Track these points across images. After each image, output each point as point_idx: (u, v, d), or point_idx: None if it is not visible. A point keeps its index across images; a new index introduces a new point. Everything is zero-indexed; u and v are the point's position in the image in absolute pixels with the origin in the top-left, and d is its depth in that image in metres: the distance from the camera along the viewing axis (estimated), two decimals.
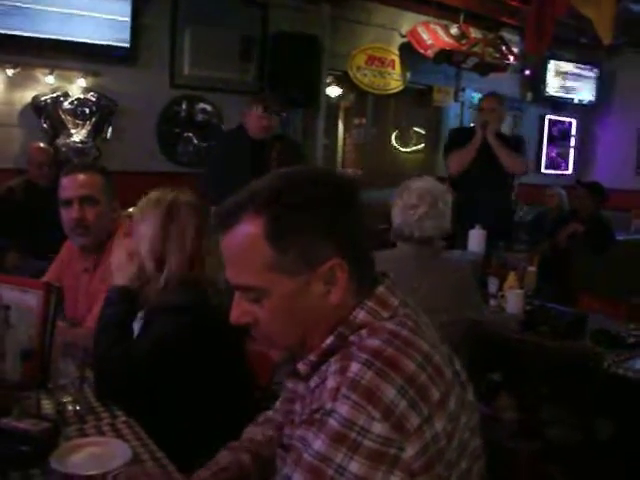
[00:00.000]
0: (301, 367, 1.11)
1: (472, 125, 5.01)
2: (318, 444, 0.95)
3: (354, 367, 0.97)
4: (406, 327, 1.04)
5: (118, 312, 1.92)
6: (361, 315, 1.07)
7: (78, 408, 1.75)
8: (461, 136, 4.74)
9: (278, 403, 1.42)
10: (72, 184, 2.38)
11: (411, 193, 2.37)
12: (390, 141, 7.68)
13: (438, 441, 0.95)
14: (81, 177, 2.39)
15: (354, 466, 0.91)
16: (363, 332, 1.05)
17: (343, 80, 6.84)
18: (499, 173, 4.48)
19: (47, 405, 1.74)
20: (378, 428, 0.91)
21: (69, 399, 1.76)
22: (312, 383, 1.10)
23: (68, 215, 2.38)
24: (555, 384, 2.47)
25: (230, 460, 1.36)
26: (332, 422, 0.94)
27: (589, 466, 2.21)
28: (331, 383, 0.99)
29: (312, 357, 1.09)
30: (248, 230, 1.04)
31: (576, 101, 8.68)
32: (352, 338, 1.06)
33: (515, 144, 4.60)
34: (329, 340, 1.07)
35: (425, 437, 0.93)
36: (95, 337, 1.89)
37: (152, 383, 1.81)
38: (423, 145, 7.85)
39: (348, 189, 1.09)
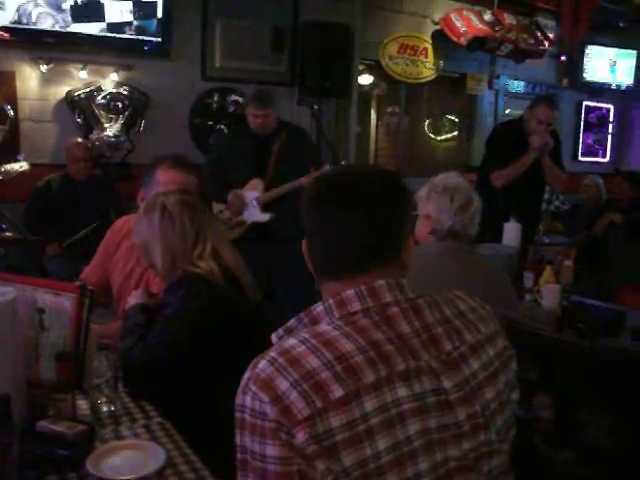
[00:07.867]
0: (273, 338, 1.16)
1: (516, 118, 4.50)
2: (238, 438, 1.03)
3: (261, 364, 1.03)
4: (340, 329, 1.06)
5: (137, 322, 2.01)
6: (319, 309, 1.13)
7: (113, 408, 1.76)
8: (508, 136, 4.35)
9: None
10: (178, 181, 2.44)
11: (459, 193, 2.37)
12: (423, 129, 7.62)
13: (332, 436, 0.97)
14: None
15: (269, 449, 0.97)
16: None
17: (375, 69, 6.79)
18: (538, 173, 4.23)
19: (82, 405, 1.76)
20: (268, 410, 0.98)
21: (104, 399, 1.77)
22: None
23: None
24: (592, 383, 2.42)
25: None
26: (241, 415, 1.02)
27: (627, 470, 2.17)
28: (246, 376, 1.05)
29: (280, 331, 1.15)
30: None
31: (614, 86, 8.49)
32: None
33: (555, 145, 4.23)
34: (292, 321, 1.15)
35: (316, 428, 0.96)
36: (119, 344, 1.97)
37: (170, 373, 1.87)
38: (456, 133, 7.77)
39: (327, 201, 1.17)
